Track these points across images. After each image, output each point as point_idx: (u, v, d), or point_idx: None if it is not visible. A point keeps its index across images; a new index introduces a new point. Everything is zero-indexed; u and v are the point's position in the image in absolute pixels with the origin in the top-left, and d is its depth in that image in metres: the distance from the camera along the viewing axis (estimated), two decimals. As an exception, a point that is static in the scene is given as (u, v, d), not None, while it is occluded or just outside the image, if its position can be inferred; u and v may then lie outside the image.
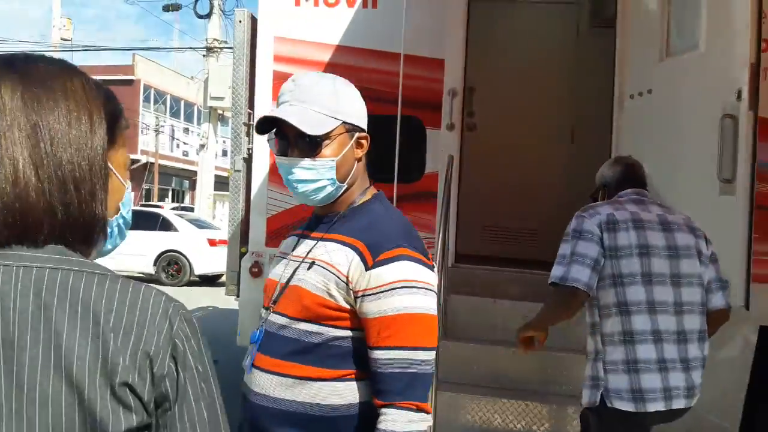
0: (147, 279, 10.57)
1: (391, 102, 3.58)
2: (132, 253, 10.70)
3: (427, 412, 1.26)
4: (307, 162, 1.33)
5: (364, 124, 1.41)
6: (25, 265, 0.73)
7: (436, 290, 1.32)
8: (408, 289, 1.26)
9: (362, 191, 1.43)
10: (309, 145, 1.33)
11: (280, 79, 3.99)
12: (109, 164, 0.82)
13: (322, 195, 1.37)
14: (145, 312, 0.75)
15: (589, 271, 2.13)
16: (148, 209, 13.93)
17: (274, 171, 4.01)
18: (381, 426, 1.23)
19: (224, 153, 25.47)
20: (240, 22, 4.11)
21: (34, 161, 0.74)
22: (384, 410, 1.24)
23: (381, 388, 1.26)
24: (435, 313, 1.30)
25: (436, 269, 1.40)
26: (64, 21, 24.26)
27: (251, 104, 4.10)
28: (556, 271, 2.19)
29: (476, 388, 3.17)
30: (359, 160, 1.41)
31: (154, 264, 12.00)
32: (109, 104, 0.83)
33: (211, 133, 16.35)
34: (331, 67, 3.89)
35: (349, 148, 1.37)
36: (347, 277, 1.28)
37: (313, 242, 1.38)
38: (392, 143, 3.48)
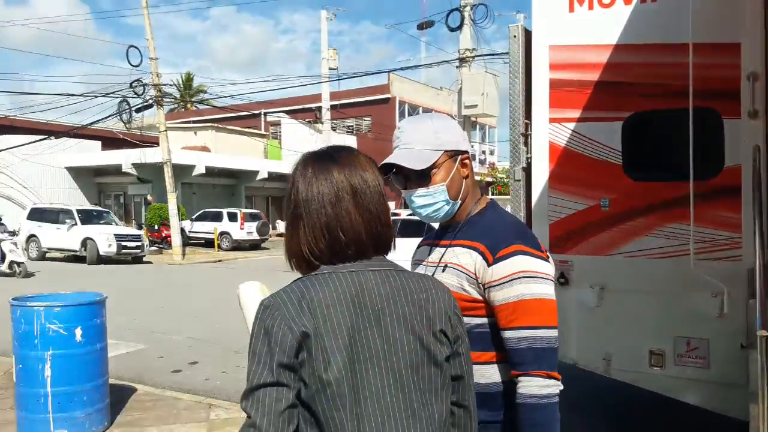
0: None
1: (680, 95, 3.39)
2: (407, 259, 11.66)
3: (557, 379, 1.49)
4: (422, 190, 1.65)
5: (464, 147, 1.69)
6: (370, 269, 1.23)
7: (551, 279, 1.55)
8: (525, 279, 1.51)
9: (476, 202, 1.71)
10: (421, 177, 1.64)
11: (556, 86, 4.04)
12: None
13: (442, 214, 1.68)
14: (437, 289, 1.28)
15: None
16: (413, 218, 14.88)
17: (553, 178, 4.07)
18: (520, 391, 1.49)
19: (480, 160, 26.03)
20: (515, 36, 4.25)
21: (358, 210, 1.23)
22: (520, 378, 1.50)
23: (515, 362, 1.52)
24: (551, 297, 1.53)
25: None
26: (330, 52, 27.08)
27: (528, 115, 4.21)
28: None
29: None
30: (467, 177, 1.69)
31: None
32: (376, 165, 1.34)
33: (466, 140, 16.89)
34: (612, 67, 3.82)
35: (455, 170, 1.66)
36: (475, 274, 1.57)
37: (443, 249, 1.68)
38: (684, 138, 3.31)
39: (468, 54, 16.05)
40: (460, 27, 16.14)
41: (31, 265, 16.69)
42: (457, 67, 16.45)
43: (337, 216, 1.22)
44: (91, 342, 4.38)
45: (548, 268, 1.56)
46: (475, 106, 14.67)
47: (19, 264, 15.22)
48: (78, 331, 4.29)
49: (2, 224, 16.65)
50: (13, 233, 16.35)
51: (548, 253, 1.61)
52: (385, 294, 1.20)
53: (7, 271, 15.03)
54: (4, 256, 15.17)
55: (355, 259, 1.23)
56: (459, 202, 1.68)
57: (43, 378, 4.23)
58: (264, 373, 1.10)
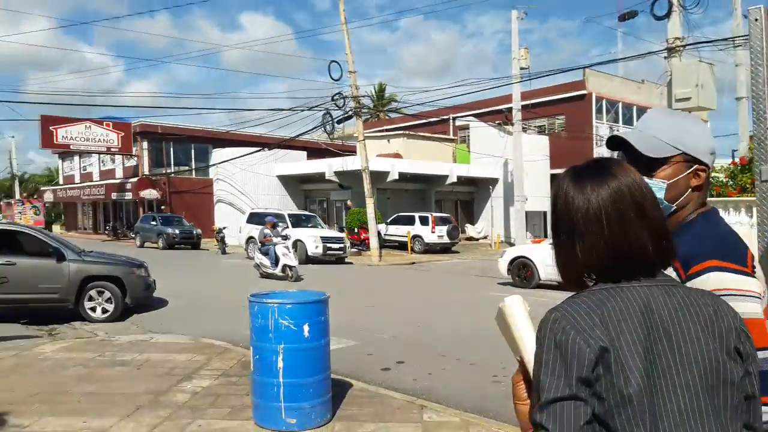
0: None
1: None
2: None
3: None
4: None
5: (705, 159, 1.56)
6: (655, 285, 1.17)
7: (755, 294, 1.40)
8: (723, 297, 1.35)
9: (693, 212, 1.58)
10: (646, 165, 1.52)
11: (813, 72, 3.52)
12: None
13: None
14: (722, 305, 1.19)
15: None
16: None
17: (813, 177, 3.53)
18: None
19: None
20: (756, 20, 3.78)
21: (642, 224, 1.17)
22: None
23: None
24: (757, 315, 1.38)
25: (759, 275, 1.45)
26: (521, 52, 26.57)
27: (777, 106, 3.71)
28: None
29: None
30: (695, 189, 1.57)
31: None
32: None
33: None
34: None
35: (684, 176, 1.54)
36: None
37: None
38: None
39: (678, 43, 14.72)
40: (668, 15, 14.87)
41: (250, 262, 18.55)
42: (665, 57, 15.16)
43: (622, 231, 1.17)
44: (316, 338, 4.72)
45: (750, 283, 1.42)
46: (689, 98, 13.40)
47: (291, 268, 15.54)
48: (306, 327, 4.66)
49: (275, 228, 16.99)
50: (286, 237, 16.69)
51: (755, 268, 1.47)
52: (674, 310, 1.15)
53: (280, 274, 15.55)
54: (278, 260, 15.67)
55: (639, 275, 1.18)
56: (673, 207, 1.57)
57: (276, 369, 4.64)
58: (560, 386, 1.08)
